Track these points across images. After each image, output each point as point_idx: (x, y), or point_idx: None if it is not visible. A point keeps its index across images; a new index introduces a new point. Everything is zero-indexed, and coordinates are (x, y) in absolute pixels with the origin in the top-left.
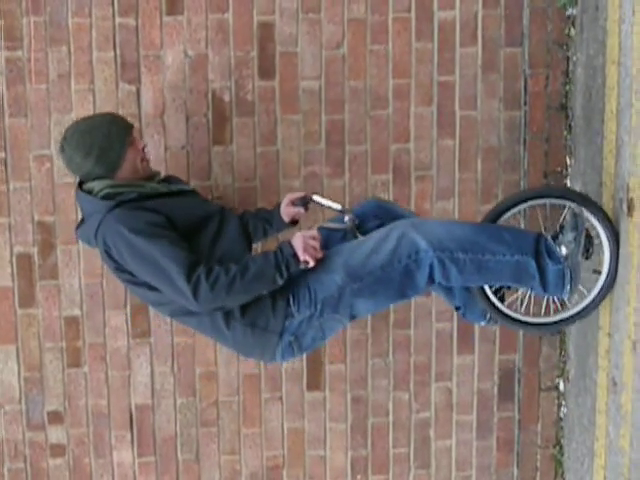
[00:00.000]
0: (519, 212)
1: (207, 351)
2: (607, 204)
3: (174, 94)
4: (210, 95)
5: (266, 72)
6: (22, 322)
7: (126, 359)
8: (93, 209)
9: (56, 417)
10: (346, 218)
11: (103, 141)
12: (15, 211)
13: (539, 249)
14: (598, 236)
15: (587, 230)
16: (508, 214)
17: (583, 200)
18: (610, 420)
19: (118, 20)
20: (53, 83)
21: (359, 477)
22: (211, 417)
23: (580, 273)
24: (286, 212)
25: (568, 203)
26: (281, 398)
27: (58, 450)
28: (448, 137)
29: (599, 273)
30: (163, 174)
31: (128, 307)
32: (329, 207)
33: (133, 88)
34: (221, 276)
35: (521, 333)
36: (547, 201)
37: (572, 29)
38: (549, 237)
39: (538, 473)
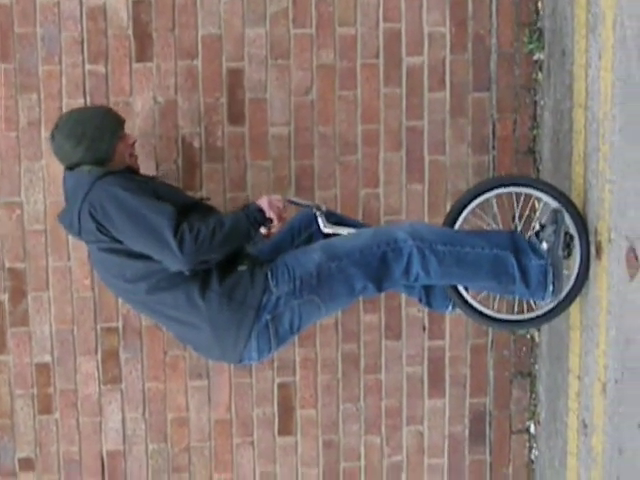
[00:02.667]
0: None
1: (178, 397)
2: (580, 211)
3: (144, 140)
4: (180, 141)
5: (236, 118)
6: None
7: (97, 405)
8: (79, 183)
9: (27, 464)
10: (317, 207)
11: (94, 132)
12: None
13: (518, 245)
14: (573, 240)
15: (567, 229)
16: (473, 204)
17: (550, 188)
18: (581, 462)
19: (88, 67)
20: (23, 130)
21: None
22: (183, 463)
23: (562, 271)
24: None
25: (536, 192)
26: (252, 443)
27: None
28: (417, 182)
29: (569, 276)
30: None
31: (99, 353)
32: (301, 203)
33: None
34: (202, 229)
35: (491, 375)
36: (513, 190)
37: (539, 74)
38: (533, 236)
39: None
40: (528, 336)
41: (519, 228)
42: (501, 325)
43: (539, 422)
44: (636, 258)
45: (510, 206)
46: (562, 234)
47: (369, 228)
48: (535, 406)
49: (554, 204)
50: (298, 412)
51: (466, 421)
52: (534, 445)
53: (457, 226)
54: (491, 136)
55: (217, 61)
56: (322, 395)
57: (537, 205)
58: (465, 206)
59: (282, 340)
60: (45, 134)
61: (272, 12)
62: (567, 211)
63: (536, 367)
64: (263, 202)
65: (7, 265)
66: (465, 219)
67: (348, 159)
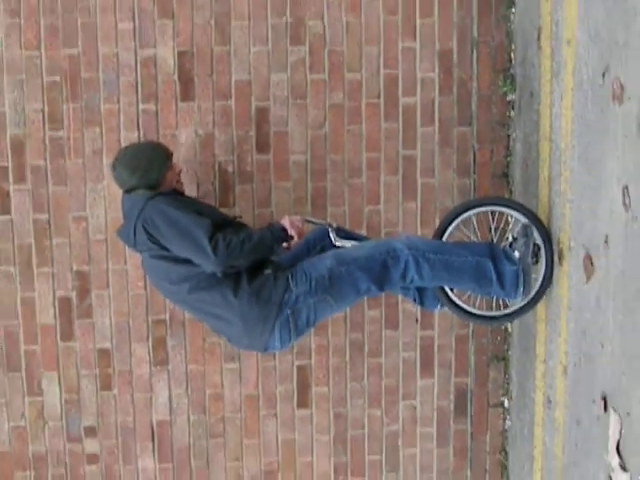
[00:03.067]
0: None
1: (215, 376)
2: (545, 223)
3: (187, 166)
4: (216, 167)
5: (262, 148)
6: (63, 353)
7: (148, 383)
8: (136, 202)
9: (91, 431)
10: (329, 224)
11: (147, 164)
12: (57, 262)
13: (495, 254)
14: (540, 250)
15: (535, 240)
16: (457, 221)
17: (521, 207)
18: (546, 431)
19: (141, 106)
20: (88, 158)
21: (341, 479)
22: (218, 430)
23: (531, 275)
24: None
25: (509, 210)
26: (275, 415)
27: (92, 459)
28: (411, 200)
29: (536, 279)
30: None
31: (150, 340)
32: (315, 222)
33: None
34: (234, 239)
35: (472, 358)
36: (490, 209)
37: (512, 112)
38: (507, 246)
39: (487, 475)
40: (502, 327)
41: (495, 239)
42: (480, 320)
43: (511, 398)
44: (591, 263)
45: (487, 221)
46: (531, 245)
47: (372, 240)
48: (508, 385)
49: (524, 220)
50: (313, 389)
51: (451, 397)
52: (507, 417)
53: (445, 238)
54: (472, 163)
55: (247, 101)
56: (333, 375)
57: (510, 220)
58: (451, 222)
59: (300, 332)
60: (106, 161)
61: (292, 61)
62: (535, 226)
63: (509, 353)
64: (286, 222)
65: (75, 268)
66: (451, 233)
67: (355, 182)
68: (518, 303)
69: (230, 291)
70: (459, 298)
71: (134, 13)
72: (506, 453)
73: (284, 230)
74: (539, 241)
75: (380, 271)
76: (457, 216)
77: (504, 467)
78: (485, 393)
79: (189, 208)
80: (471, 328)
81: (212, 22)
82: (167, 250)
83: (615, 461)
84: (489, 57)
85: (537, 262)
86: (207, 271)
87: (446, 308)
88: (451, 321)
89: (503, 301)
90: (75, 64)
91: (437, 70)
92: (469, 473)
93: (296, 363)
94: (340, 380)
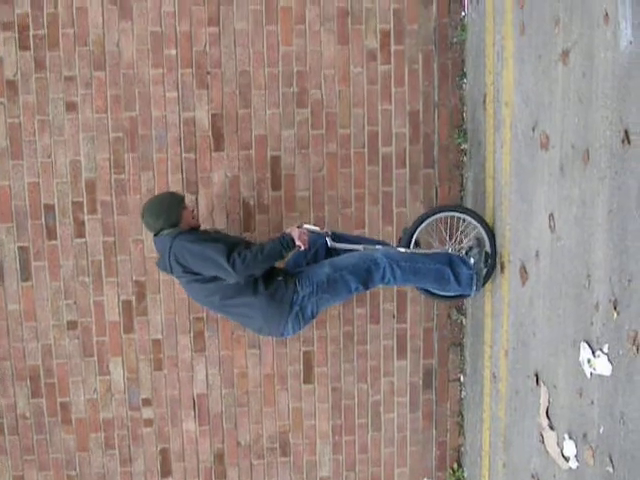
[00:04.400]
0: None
1: (241, 360)
2: (491, 226)
3: (218, 200)
4: (241, 201)
5: (276, 186)
6: (125, 343)
7: (190, 365)
8: (165, 243)
9: (147, 402)
10: (324, 232)
11: (166, 209)
12: (121, 273)
13: (452, 260)
14: (489, 258)
15: (486, 250)
16: (424, 224)
17: (471, 212)
18: (492, 400)
19: (184, 155)
20: (143, 195)
21: (336, 437)
22: (244, 401)
23: (482, 277)
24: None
25: (461, 215)
26: (287, 389)
27: (148, 423)
28: (389, 225)
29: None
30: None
31: (191, 332)
32: (314, 230)
33: (194, 197)
34: (248, 254)
35: (436, 344)
36: (447, 214)
37: (465, 157)
38: (463, 253)
39: (448, 433)
40: (459, 321)
41: (450, 245)
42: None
43: (466, 374)
44: (526, 272)
45: (445, 229)
46: (483, 253)
47: (359, 251)
48: (463, 364)
49: (476, 226)
50: (315, 369)
51: (420, 374)
52: (463, 389)
53: (414, 237)
54: (435, 196)
55: (264, 151)
56: (330, 358)
57: (461, 226)
58: (414, 232)
59: (307, 321)
60: None
61: (298, 120)
62: (487, 237)
63: (464, 340)
64: (295, 234)
65: (134, 278)
66: (416, 240)
67: (346, 211)
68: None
69: (251, 296)
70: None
71: (178, 85)
72: (462, 416)
73: (292, 240)
74: (490, 250)
75: (365, 275)
76: (426, 218)
77: (461, 427)
78: (446, 371)
79: (204, 240)
80: (435, 322)
81: (237, 91)
82: (198, 275)
83: (545, 422)
84: (447, 116)
85: (486, 267)
86: (231, 282)
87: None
88: (420, 316)
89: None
90: (134, 123)
91: (408, 126)
92: (434, 432)
93: (302, 349)
94: (336, 362)
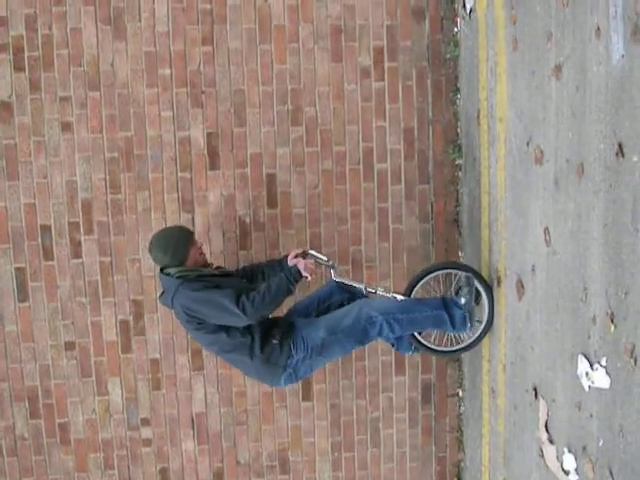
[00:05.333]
0: (431, 280)
1: (239, 378)
2: (487, 279)
3: (215, 219)
4: (237, 219)
5: (271, 204)
6: (123, 362)
7: (188, 384)
8: (170, 285)
9: (146, 421)
10: (330, 262)
11: (174, 244)
12: (118, 293)
13: (446, 304)
14: (480, 295)
15: (476, 288)
16: (423, 281)
17: (471, 270)
18: (491, 415)
19: (180, 174)
20: (140, 214)
21: (336, 454)
22: (242, 419)
23: (475, 316)
24: (292, 262)
25: (460, 272)
26: (286, 406)
27: (147, 442)
28: (385, 241)
29: (480, 322)
30: (214, 266)
31: (189, 351)
32: (319, 258)
33: (190, 216)
34: (256, 296)
35: (434, 358)
36: (446, 271)
37: (460, 172)
38: (454, 294)
39: (447, 449)
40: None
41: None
42: (442, 354)
43: (465, 389)
44: (522, 286)
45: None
46: (473, 292)
47: (354, 307)
48: (462, 379)
49: (468, 274)
50: (314, 386)
51: (419, 389)
52: (462, 404)
53: (413, 294)
54: (430, 212)
55: (259, 169)
56: (329, 375)
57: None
58: (417, 282)
59: (300, 379)
60: (154, 216)
61: (293, 138)
62: (476, 278)
63: (462, 355)
64: (300, 265)
65: (132, 297)
66: (417, 290)
67: (342, 228)
68: (469, 340)
69: (247, 356)
70: (425, 339)
71: (173, 104)
72: (462, 431)
73: (298, 272)
74: (480, 289)
75: (361, 335)
76: (421, 279)
77: (460, 442)
78: (445, 386)
79: (211, 285)
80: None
81: (232, 110)
82: (201, 324)
83: (544, 436)
84: (442, 132)
85: (479, 304)
86: (241, 326)
87: (416, 354)
88: None
89: (456, 338)
90: (129, 143)
91: (402, 143)
92: (434, 447)
93: None
94: (334, 379)
